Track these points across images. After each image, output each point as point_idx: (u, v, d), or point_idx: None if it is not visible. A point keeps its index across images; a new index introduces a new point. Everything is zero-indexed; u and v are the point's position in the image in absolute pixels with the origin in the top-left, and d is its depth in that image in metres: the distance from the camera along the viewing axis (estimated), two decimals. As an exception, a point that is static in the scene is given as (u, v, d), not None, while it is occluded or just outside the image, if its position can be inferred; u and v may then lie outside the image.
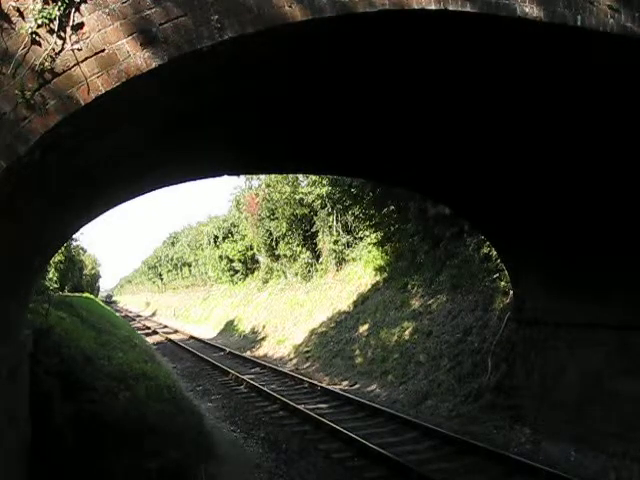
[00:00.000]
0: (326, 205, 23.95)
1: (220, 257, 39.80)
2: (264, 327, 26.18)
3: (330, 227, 24.74)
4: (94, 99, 3.37)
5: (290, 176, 26.24)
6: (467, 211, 10.94)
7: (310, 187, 24.62)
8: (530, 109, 6.40)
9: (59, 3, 3.27)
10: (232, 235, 39.29)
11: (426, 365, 13.33)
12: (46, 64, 3.30)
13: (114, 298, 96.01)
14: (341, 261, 24.15)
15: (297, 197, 26.58)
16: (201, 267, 49.64)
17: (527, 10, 4.17)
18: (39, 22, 3.26)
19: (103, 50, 3.35)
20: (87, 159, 4.54)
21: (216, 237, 42.02)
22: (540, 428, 9.25)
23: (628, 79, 5.39)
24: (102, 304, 34.76)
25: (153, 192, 8.26)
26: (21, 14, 3.28)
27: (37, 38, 3.29)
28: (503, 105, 6.43)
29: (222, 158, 7.99)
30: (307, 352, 19.54)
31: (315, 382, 14.90)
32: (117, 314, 33.18)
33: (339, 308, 20.79)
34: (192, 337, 30.20)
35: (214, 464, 7.97)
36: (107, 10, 3.34)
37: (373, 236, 21.45)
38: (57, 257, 22.94)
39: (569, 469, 7.83)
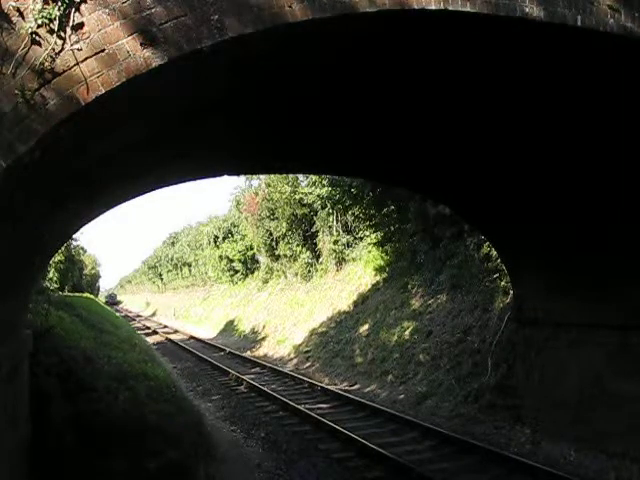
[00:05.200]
0: (326, 205, 23.95)
1: (220, 257, 39.82)
2: (264, 327, 26.19)
3: (330, 227, 24.75)
4: (94, 99, 3.36)
5: (290, 176, 26.26)
6: (467, 211, 10.94)
7: (310, 187, 24.63)
8: (530, 109, 6.40)
9: (59, 3, 3.26)
10: (232, 235, 39.33)
11: (426, 365, 13.33)
12: (46, 64, 3.29)
13: (119, 298, 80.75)
14: (341, 261, 24.15)
15: (297, 197, 26.59)
16: (201, 267, 49.68)
17: (527, 10, 4.17)
18: (39, 22, 3.26)
19: (103, 50, 3.35)
20: (87, 159, 4.54)
21: (216, 237, 42.06)
22: (540, 428, 9.25)
23: (628, 79, 5.40)
24: (102, 304, 34.73)
25: (153, 192, 8.28)
26: (21, 14, 3.28)
27: (37, 38, 3.28)
28: (503, 105, 6.43)
29: (222, 157, 8.00)
30: (307, 352, 19.55)
31: (315, 382, 14.90)
32: (117, 314, 33.17)
33: (339, 308, 20.79)
34: (192, 337, 30.21)
35: (214, 464, 7.98)
36: (107, 10, 3.33)
37: (373, 236, 21.46)
38: (57, 257, 22.93)
39: (569, 469, 7.84)
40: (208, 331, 33.62)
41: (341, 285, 22.66)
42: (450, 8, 3.92)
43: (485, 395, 10.88)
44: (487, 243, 13.57)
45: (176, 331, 34.35)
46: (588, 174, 7.63)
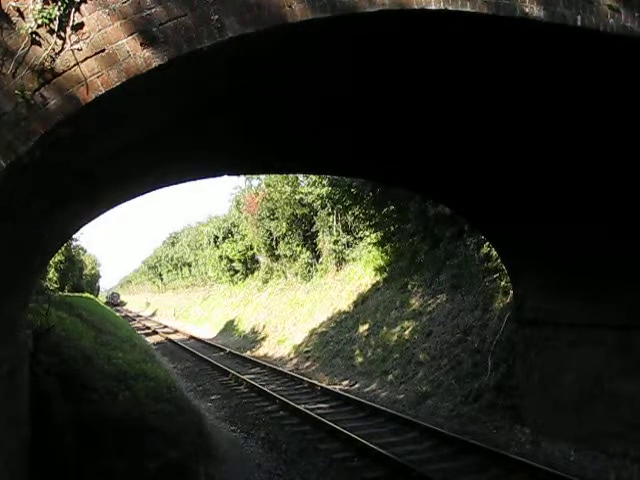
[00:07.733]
0: (326, 205, 23.96)
1: (220, 257, 39.82)
2: (264, 327, 26.19)
3: (330, 227, 24.75)
4: (94, 99, 3.37)
5: (290, 176, 26.25)
6: (467, 211, 10.94)
7: (310, 187, 24.62)
8: (530, 109, 6.40)
9: (59, 3, 3.26)
10: (232, 235, 39.31)
11: (426, 365, 13.33)
12: (46, 64, 3.29)
13: (122, 298, 76.33)
14: (341, 261, 24.15)
15: (297, 197, 26.60)
16: (201, 267, 49.69)
17: (527, 10, 4.17)
18: (39, 22, 3.26)
19: (103, 50, 3.35)
20: (87, 159, 4.54)
21: (216, 237, 42.06)
22: (540, 428, 9.25)
23: (628, 78, 5.40)
24: (102, 304, 34.76)
25: (153, 192, 8.28)
26: (21, 14, 3.28)
27: (37, 38, 3.28)
28: (503, 105, 6.43)
29: (222, 157, 8.00)
30: (307, 352, 19.55)
31: (315, 382, 14.90)
32: (117, 314, 33.22)
33: (339, 308, 20.79)
34: (192, 337, 30.20)
35: (214, 464, 7.98)
36: (107, 10, 3.34)
37: (373, 236, 21.46)
38: (57, 257, 22.97)
39: (569, 469, 7.83)
40: (208, 331, 33.61)
41: (341, 285, 22.65)
42: (450, 8, 3.92)
43: (485, 395, 10.88)
44: (487, 243, 13.57)
45: (176, 331, 34.34)
46: (588, 174, 7.63)
